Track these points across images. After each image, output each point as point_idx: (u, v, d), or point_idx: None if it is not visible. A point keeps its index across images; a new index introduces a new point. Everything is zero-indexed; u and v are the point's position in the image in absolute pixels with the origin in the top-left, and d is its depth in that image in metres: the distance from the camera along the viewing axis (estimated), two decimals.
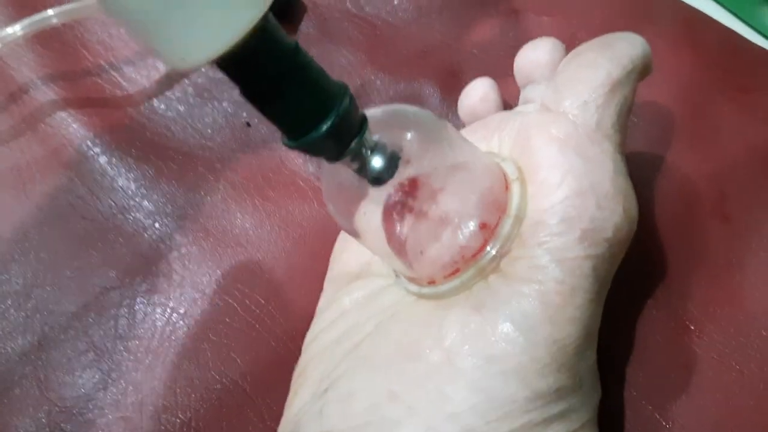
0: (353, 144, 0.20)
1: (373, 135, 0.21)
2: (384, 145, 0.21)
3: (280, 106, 0.19)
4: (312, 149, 0.20)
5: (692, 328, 0.30)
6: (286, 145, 0.20)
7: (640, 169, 0.34)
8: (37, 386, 0.31)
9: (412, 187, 0.23)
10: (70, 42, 0.40)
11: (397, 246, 0.24)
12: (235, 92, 0.38)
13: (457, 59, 0.39)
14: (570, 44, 0.29)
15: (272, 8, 0.17)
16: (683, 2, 0.39)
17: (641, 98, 0.35)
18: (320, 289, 0.30)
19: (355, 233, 0.24)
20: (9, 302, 0.33)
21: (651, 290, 0.31)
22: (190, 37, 0.16)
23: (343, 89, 0.19)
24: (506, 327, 0.21)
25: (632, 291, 0.30)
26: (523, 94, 0.31)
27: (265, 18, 0.17)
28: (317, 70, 0.19)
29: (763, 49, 0.37)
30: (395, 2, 0.41)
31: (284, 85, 0.18)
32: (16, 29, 0.36)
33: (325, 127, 0.19)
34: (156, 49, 0.17)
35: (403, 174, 0.22)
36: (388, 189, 0.22)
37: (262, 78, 0.18)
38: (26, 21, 0.36)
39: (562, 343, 0.22)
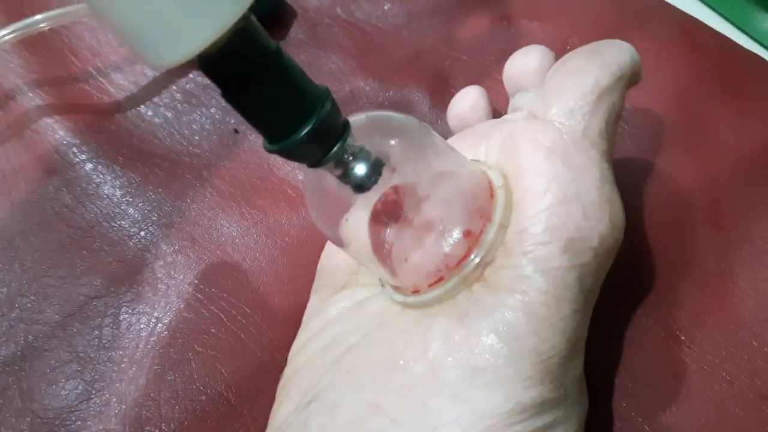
0: (335, 149, 0.20)
1: (357, 141, 0.21)
2: (367, 152, 0.21)
3: (260, 109, 0.19)
4: (292, 154, 0.20)
5: (682, 337, 0.29)
6: (266, 149, 0.20)
7: (632, 175, 0.33)
8: (19, 396, 0.31)
9: (396, 194, 0.23)
10: (58, 47, 0.40)
11: (382, 254, 0.24)
12: (223, 99, 0.38)
13: (448, 65, 0.38)
14: (562, 51, 0.29)
15: (254, 10, 0.17)
16: (677, 8, 0.38)
17: (634, 104, 0.35)
18: (307, 298, 0.29)
19: (338, 241, 0.24)
20: None
21: (640, 298, 0.30)
22: (168, 34, 0.16)
23: (325, 93, 0.19)
24: (490, 339, 0.21)
25: (621, 299, 0.30)
26: (512, 102, 0.31)
27: (245, 18, 0.17)
28: (299, 74, 0.19)
29: (757, 54, 0.36)
30: (385, 8, 0.40)
31: (264, 88, 0.18)
32: (2, 34, 0.36)
33: (305, 131, 0.19)
34: (134, 46, 0.17)
35: (387, 181, 0.21)
36: (372, 196, 0.22)
37: (242, 79, 0.18)
38: (13, 26, 0.36)
39: (546, 355, 0.21)
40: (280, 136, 0.19)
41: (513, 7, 0.40)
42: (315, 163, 0.20)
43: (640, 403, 0.28)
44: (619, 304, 0.30)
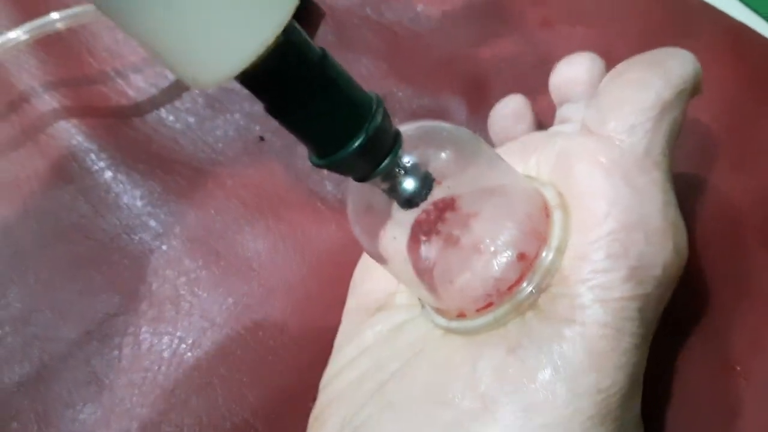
0: (385, 163, 0.19)
1: (406, 153, 0.20)
2: (417, 165, 0.20)
3: (308, 123, 0.18)
4: (341, 168, 0.19)
5: (738, 368, 0.28)
6: (313, 163, 0.18)
7: (680, 191, 0.31)
8: (35, 420, 0.29)
9: (444, 209, 0.22)
10: (75, 48, 0.39)
11: (423, 274, 0.23)
12: (247, 104, 0.36)
13: (484, 71, 0.37)
14: (606, 57, 0.27)
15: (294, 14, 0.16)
16: (725, 14, 0.37)
17: None
18: (339, 319, 0.28)
19: (380, 258, 0.23)
20: (6, 328, 0.31)
21: (692, 326, 0.29)
22: (203, 55, 0.15)
23: (376, 102, 0.18)
24: (547, 374, 0.20)
25: (672, 326, 0.28)
26: (560, 113, 0.29)
27: (287, 29, 0.16)
28: (347, 81, 0.18)
29: None
30: (418, 9, 0.39)
31: (312, 100, 0.17)
32: (18, 34, 0.35)
33: (355, 145, 0.18)
34: (166, 64, 0.15)
35: (436, 196, 0.20)
36: (419, 212, 0.21)
37: (287, 93, 0.17)
38: (29, 25, 0.35)
39: (607, 393, 0.20)
40: (329, 151, 0.18)
41: (552, 10, 0.38)
42: (363, 177, 0.19)
43: None
44: (671, 330, 0.28)
